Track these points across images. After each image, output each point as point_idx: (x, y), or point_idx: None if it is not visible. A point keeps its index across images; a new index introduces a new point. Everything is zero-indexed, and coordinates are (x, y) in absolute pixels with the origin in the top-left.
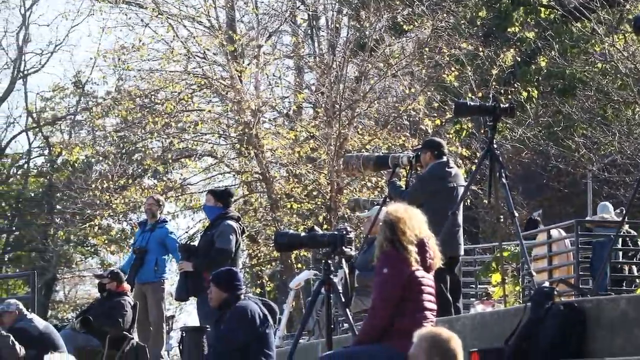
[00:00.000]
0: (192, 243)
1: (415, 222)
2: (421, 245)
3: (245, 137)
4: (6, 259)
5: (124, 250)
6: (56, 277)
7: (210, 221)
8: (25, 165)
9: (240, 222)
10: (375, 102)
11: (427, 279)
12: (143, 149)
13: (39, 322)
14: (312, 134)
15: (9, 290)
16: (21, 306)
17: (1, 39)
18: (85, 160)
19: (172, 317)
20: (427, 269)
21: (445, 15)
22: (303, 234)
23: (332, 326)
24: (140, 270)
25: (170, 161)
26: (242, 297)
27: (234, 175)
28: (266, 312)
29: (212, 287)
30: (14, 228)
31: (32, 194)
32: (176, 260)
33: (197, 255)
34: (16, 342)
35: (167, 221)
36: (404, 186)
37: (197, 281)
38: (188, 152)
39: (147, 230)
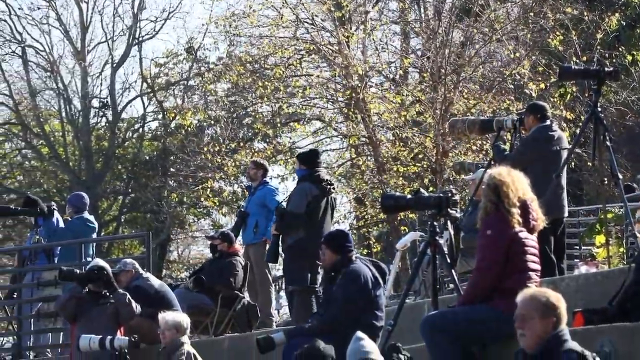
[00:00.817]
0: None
1: (518, 184)
2: (524, 207)
3: (353, 102)
4: (122, 220)
5: (234, 212)
6: (170, 237)
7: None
8: (140, 130)
9: (324, 183)
10: (480, 66)
11: (531, 240)
12: (253, 113)
13: (154, 281)
14: (418, 98)
15: (125, 251)
16: (137, 265)
17: (117, 6)
18: (197, 125)
19: (282, 277)
20: (530, 230)
21: None
22: (409, 196)
23: (438, 286)
24: (243, 233)
25: (279, 125)
26: (354, 258)
27: (341, 138)
28: (376, 274)
29: (324, 249)
30: (129, 190)
31: (147, 157)
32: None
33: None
34: (132, 300)
35: (267, 182)
36: (508, 149)
37: None
38: (297, 116)
39: (251, 193)
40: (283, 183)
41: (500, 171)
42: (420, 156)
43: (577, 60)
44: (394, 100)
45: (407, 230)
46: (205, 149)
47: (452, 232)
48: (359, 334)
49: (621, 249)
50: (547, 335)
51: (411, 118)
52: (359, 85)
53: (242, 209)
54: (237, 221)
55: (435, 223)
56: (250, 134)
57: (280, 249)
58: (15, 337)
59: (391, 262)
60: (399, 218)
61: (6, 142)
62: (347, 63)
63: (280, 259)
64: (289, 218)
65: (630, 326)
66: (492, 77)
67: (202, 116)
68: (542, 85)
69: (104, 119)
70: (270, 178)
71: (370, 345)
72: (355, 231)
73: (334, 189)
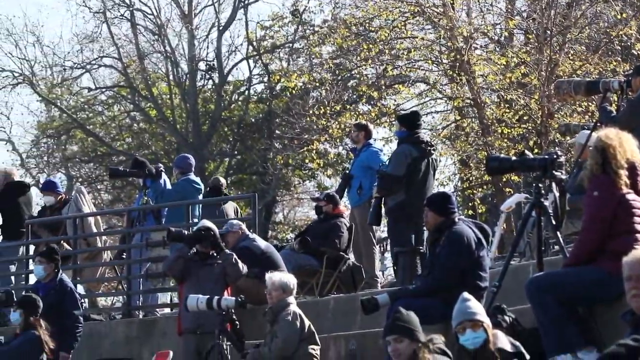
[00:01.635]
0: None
1: (626, 146)
2: (632, 169)
3: (457, 64)
4: (229, 182)
5: (339, 174)
6: (276, 199)
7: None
8: (246, 92)
9: (425, 145)
10: (587, 27)
11: (638, 203)
12: (358, 76)
13: (261, 242)
14: (523, 60)
15: None
16: (244, 227)
17: None
18: (302, 87)
19: (386, 238)
20: (638, 192)
21: None
22: (514, 158)
23: (543, 248)
24: (347, 195)
25: (384, 87)
26: (457, 220)
27: (445, 101)
28: (480, 236)
29: (427, 211)
30: (235, 152)
31: (253, 120)
32: None
33: None
34: (239, 261)
35: (371, 144)
36: (614, 111)
37: None
38: (401, 79)
39: (356, 155)
40: (387, 145)
41: (607, 133)
42: (525, 118)
43: None
44: (499, 62)
45: (511, 192)
46: (310, 111)
47: (557, 194)
48: (465, 294)
49: None
50: None
51: (516, 80)
52: (464, 47)
53: (347, 171)
54: (341, 183)
55: (540, 185)
56: (354, 97)
57: (383, 211)
58: (124, 296)
59: (496, 224)
60: (503, 180)
61: (115, 104)
62: (451, 25)
63: (385, 221)
64: (388, 180)
65: None
66: (598, 38)
67: (307, 79)
68: None
69: (210, 82)
70: (375, 140)
71: (476, 306)
72: (459, 193)
73: (434, 150)
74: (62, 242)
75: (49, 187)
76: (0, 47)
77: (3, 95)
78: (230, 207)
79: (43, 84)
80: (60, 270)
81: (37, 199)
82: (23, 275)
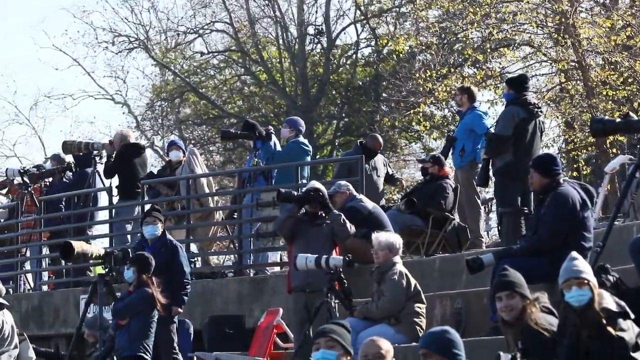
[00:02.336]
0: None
1: None
2: None
3: (562, 27)
4: (336, 144)
5: (444, 136)
6: None
7: None
8: (354, 56)
9: (531, 106)
10: None
11: None
12: (464, 39)
13: (368, 203)
14: (628, 23)
15: None
16: (351, 188)
17: None
18: (409, 51)
19: (491, 199)
20: None
21: None
22: (618, 120)
23: None
24: (451, 156)
25: (489, 51)
26: (562, 182)
27: (550, 63)
28: (584, 197)
29: (533, 172)
30: (343, 115)
31: (360, 83)
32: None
33: None
34: (347, 221)
35: (476, 107)
36: None
37: None
38: (506, 42)
39: (461, 117)
40: (493, 107)
41: None
42: (629, 80)
43: None
44: (604, 24)
45: (616, 154)
46: (417, 74)
47: None
48: (574, 253)
49: None
50: None
51: (621, 42)
52: (569, 10)
53: (451, 134)
54: (445, 145)
55: None
56: (460, 60)
57: (490, 173)
58: (236, 255)
59: (600, 186)
60: (607, 141)
61: (227, 68)
62: None
63: (492, 182)
64: (496, 141)
65: None
66: None
67: (414, 42)
68: None
69: (319, 46)
70: (479, 103)
71: (583, 265)
72: (564, 155)
73: (541, 112)
74: (175, 202)
75: (177, 144)
76: (116, 13)
77: (119, 59)
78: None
79: (157, 49)
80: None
81: (152, 160)
82: (139, 234)
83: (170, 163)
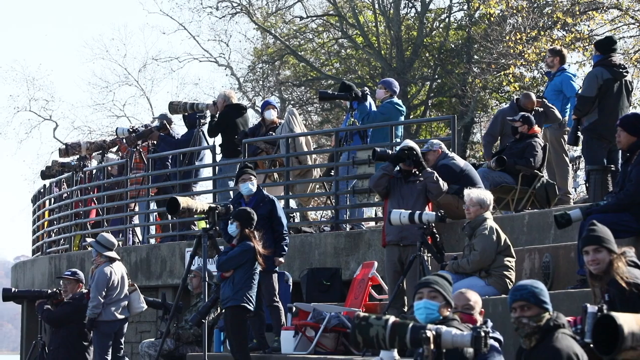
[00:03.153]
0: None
1: None
2: None
3: None
4: (429, 104)
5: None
6: (474, 120)
7: None
8: (447, 19)
9: (617, 67)
10: None
11: None
12: (553, 3)
13: (459, 161)
14: None
15: (432, 132)
16: (443, 146)
17: None
18: (500, 14)
19: (579, 157)
20: None
21: None
22: None
23: None
24: None
25: (578, 13)
26: None
27: (638, 26)
28: None
29: (620, 131)
30: (436, 76)
31: (452, 46)
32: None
33: None
34: (439, 178)
35: (565, 69)
36: None
37: None
38: (595, 5)
39: (550, 79)
40: (581, 69)
41: None
42: None
43: None
44: None
45: None
46: (508, 37)
47: None
48: None
49: None
50: None
51: None
52: None
53: (540, 95)
54: None
55: None
56: (549, 23)
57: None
58: (333, 211)
59: None
60: None
61: (324, 32)
62: None
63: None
64: (581, 102)
65: None
66: None
67: (505, 6)
68: None
69: (413, 10)
70: (569, 65)
71: None
72: None
73: (627, 72)
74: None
75: (272, 104)
76: None
77: (223, 24)
78: None
79: (259, 13)
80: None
81: (253, 120)
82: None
83: (264, 122)
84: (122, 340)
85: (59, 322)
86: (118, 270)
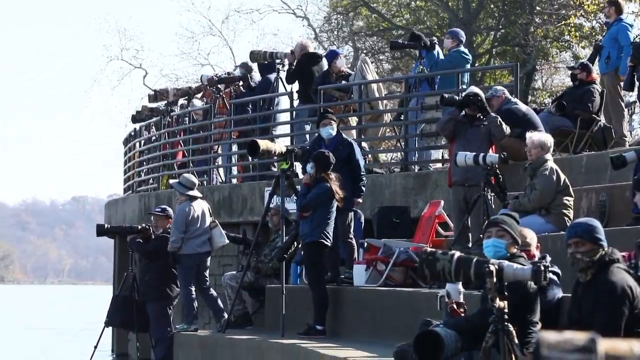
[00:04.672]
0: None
1: None
2: None
3: None
4: (494, 53)
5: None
6: (535, 68)
7: None
8: None
9: None
10: None
11: None
12: None
13: (522, 106)
14: None
15: (496, 79)
16: (506, 92)
17: None
18: None
19: (634, 102)
20: None
21: None
22: None
23: None
24: (598, 63)
25: None
26: None
27: None
28: None
29: None
30: (500, 27)
31: None
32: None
33: None
34: (503, 122)
35: (622, 19)
36: None
37: None
38: None
39: (608, 28)
40: (638, 19)
41: None
42: None
43: None
44: None
45: None
46: None
47: None
48: None
49: None
50: None
51: None
52: None
53: (599, 43)
54: (592, 53)
55: None
56: None
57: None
58: (402, 153)
59: None
60: None
61: None
62: None
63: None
64: (636, 49)
65: None
66: None
67: None
68: None
69: None
70: (626, 15)
71: None
72: None
73: None
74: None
75: (339, 54)
76: None
77: None
78: None
79: None
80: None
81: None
82: (316, 134)
83: (332, 70)
84: (207, 273)
85: (151, 255)
86: (198, 208)
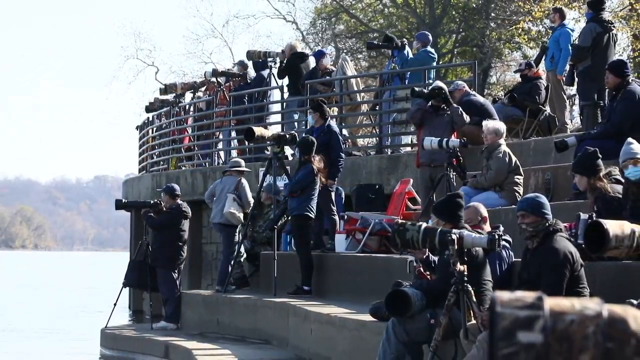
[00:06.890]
0: None
1: None
2: None
3: None
4: (455, 52)
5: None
6: (490, 65)
7: None
8: None
9: (606, 23)
10: None
11: None
12: None
13: (479, 98)
14: None
15: (457, 75)
16: (466, 86)
17: None
18: None
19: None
20: None
21: None
22: None
23: None
24: (544, 62)
25: None
26: (631, 81)
27: None
28: None
29: (608, 74)
30: (461, 30)
31: (474, 5)
32: None
33: None
34: (463, 112)
35: (565, 25)
36: None
37: None
38: None
39: (552, 32)
40: (577, 24)
41: None
42: None
43: None
44: None
45: None
46: None
47: None
48: (630, 139)
49: None
50: None
51: None
52: None
53: (545, 44)
54: (539, 53)
55: None
56: None
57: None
58: (377, 138)
59: None
60: None
61: None
62: None
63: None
64: (578, 50)
65: None
66: None
67: None
68: None
69: None
70: (568, 21)
71: (638, 148)
72: (632, 61)
73: (614, 27)
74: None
75: (325, 53)
76: None
77: None
78: None
79: None
80: (329, 118)
81: (313, 65)
82: (303, 122)
83: (319, 67)
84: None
85: (159, 227)
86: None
